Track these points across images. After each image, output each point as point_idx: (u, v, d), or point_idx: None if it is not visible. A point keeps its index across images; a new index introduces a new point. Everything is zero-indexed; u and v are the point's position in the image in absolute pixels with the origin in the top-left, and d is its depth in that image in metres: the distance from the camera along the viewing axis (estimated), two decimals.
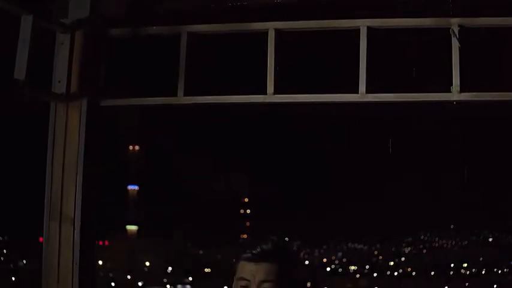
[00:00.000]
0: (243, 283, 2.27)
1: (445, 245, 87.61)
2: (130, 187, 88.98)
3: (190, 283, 74.76)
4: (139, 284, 73.65)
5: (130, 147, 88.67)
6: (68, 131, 2.86)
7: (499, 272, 76.86)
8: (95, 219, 2.86)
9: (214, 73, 2.83)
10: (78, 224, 2.80)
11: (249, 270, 2.25)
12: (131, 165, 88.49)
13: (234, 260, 2.34)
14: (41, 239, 2.95)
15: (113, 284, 70.03)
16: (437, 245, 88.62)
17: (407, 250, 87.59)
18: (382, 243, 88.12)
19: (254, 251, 2.24)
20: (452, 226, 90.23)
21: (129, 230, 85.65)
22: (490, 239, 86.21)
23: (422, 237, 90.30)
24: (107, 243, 76.31)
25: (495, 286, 69.13)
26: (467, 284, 73.62)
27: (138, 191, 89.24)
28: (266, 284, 2.25)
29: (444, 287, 72.28)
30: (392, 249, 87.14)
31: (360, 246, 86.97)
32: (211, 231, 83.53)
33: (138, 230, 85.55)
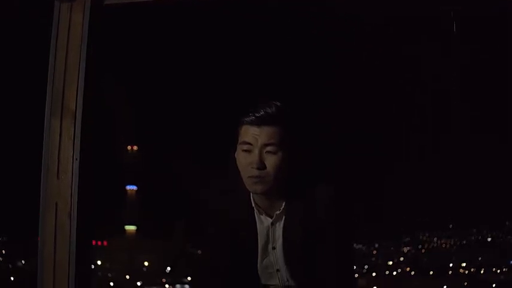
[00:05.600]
0: (246, 147, 2.25)
1: (443, 245, 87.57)
2: (128, 187, 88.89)
3: (189, 283, 74.56)
4: (138, 284, 73.48)
5: (129, 148, 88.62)
6: (72, 31, 2.86)
7: (498, 271, 76.73)
8: (95, 114, 2.86)
9: None
10: (79, 118, 2.80)
11: (252, 134, 2.23)
12: (129, 166, 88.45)
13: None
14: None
15: (111, 283, 69.88)
16: (435, 244, 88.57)
17: (406, 250, 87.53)
18: (380, 243, 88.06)
19: (257, 114, 2.22)
20: (451, 226, 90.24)
21: (128, 230, 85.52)
22: (489, 239, 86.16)
23: (421, 237, 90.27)
24: (105, 243, 76.21)
25: (494, 286, 69.04)
26: (466, 283, 73.46)
27: (136, 191, 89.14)
28: (269, 148, 2.23)
29: (443, 287, 72.16)
30: (391, 249, 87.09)
31: (359, 246, 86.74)
32: None
33: (136, 230, 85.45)
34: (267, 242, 2.34)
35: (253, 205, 2.32)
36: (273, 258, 2.35)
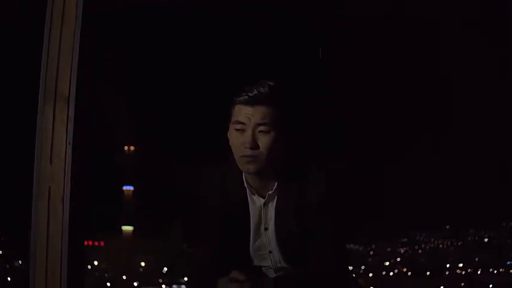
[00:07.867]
0: (238, 126, 2.24)
1: (440, 246, 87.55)
2: (125, 188, 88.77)
3: (185, 283, 74.40)
4: (135, 284, 73.41)
5: (126, 148, 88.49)
6: (66, 10, 2.85)
7: (495, 272, 76.78)
8: (89, 98, 2.85)
9: None
10: (72, 103, 2.79)
11: (245, 113, 2.22)
12: (126, 166, 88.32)
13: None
14: None
15: (108, 284, 69.85)
16: (432, 245, 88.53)
17: (402, 250, 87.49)
18: (377, 244, 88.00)
19: (250, 94, 2.22)
20: (447, 226, 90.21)
21: (125, 230, 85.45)
22: (486, 240, 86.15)
23: (417, 237, 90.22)
24: (102, 243, 76.14)
25: (491, 286, 69.04)
26: (462, 284, 73.49)
27: (133, 191, 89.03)
28: (262, 127, 2.22)
29: (440, 287, 72.17)
30: (388, 250, 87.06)
31: (356, 246, 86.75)
32: None
33: (133, 231, 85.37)
34: (259, 223, 2.33)
35: (245, 185, 2.31)
36: (265, 240, 2.34)
